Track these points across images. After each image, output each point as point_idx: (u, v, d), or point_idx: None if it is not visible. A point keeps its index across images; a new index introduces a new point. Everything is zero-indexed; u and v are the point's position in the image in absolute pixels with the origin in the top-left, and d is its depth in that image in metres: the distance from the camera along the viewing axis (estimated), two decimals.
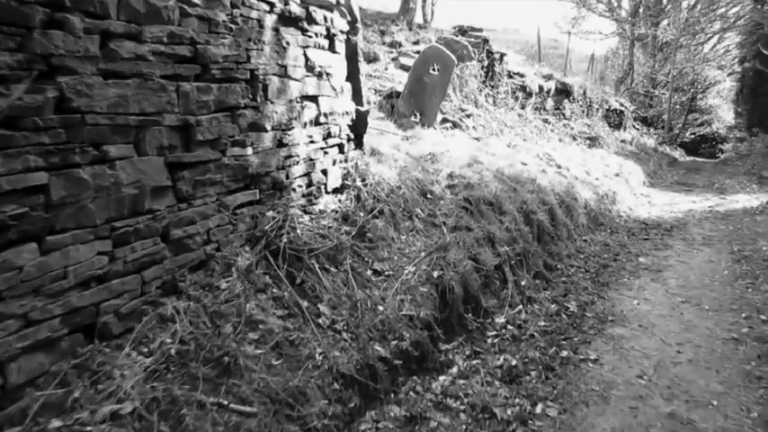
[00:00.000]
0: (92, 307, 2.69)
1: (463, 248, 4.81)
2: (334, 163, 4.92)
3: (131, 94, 2.82)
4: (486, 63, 13.63)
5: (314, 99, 4.59)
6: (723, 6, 27.11)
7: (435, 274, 4.28)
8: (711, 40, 31.24)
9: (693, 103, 33.02)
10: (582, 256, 7.15)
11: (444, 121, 9.54)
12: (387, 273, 4.09)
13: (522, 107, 15.19)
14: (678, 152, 27.31)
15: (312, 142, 4.56)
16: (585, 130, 17.79)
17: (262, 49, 3.86)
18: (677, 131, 30.53)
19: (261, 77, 3.84)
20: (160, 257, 3.06)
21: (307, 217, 4.32)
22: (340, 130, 4.99)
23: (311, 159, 4.55)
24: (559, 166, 9.82)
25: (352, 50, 5.40)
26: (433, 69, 9.13)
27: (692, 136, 32.58)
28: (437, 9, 15.92)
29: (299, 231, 3.74)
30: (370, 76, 10.11)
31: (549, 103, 17.17)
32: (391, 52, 11.90)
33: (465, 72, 11.86)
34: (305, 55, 4.43)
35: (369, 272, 4.03)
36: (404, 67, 10.65)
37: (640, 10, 25.86)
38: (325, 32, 4.72)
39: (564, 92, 17.94)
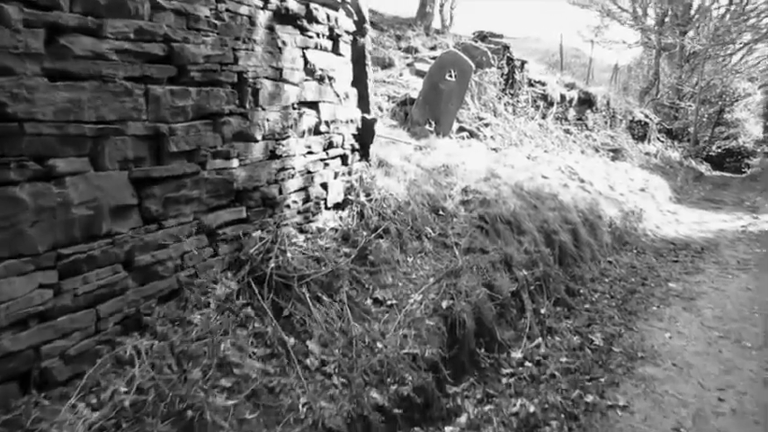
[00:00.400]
0: (30, 350, 2.27)
1: (477, 274, 4.32)
2: (336, 176, 4.47)
3: (87, 98, 2.40)
4: (506, 70, 13.13)
5: (313, 105, 4.16)
6: (754, 17, 26.27)
7: (444, 303, 3.80)
8: (740, 51, 30.33)
9: (721, 116, 32.12)
10: (607, 280, 6.60)
11: (461, 129, 9.07)
12: (389, 302, 3.62)
13: (543, 117, 14.64)
14: (704, 166, 26.42)
15: (311, 153, 4.11)
16: (608, 142, 17.17)
17: (252, 50, 3.44)
18: (703, 145, 29.64)
19: (250, 81, 3.41)
20: (121, 288, 2.63)
21: (302, 237, 3.87)
22: (343, 140, 4.55)
23: (309, 172, 4.11)
24: (582, 180, 9.28)
25: (358, 53, 4.96)
26: (450, 75, 8.66)
27: (718, 150, 31.72)
28: (456, 14, 15.50)
29: (289, 255, 3.29)
30: (384, 81, 9.68)
31: (571, 112, 16.59)
32: (407, 58, 11.47)
33: (484, 79, 11.37)
34: (304, 57, 3.99)
35: (368, 301, 3.56)
36: (419, 73, 10.20)
37: (667, 19, 25.10)
38: (327, 32, 4.29)
39: (586, 102, 17.35)
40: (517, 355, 4.22)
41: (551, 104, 15.24)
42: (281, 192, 3.76)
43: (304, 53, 4.00)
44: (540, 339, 4.55)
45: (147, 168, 2.73)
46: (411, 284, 3.93)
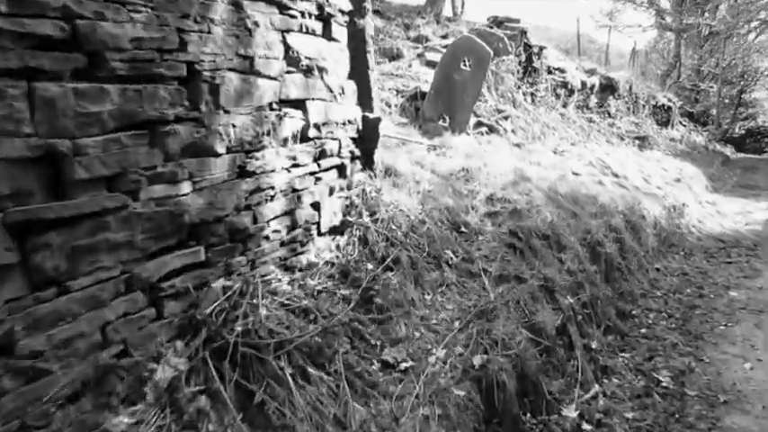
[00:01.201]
0: None
1: (514, 310, 3.38)
2: (332, 192, 3.55)
3: None
4: (523, 57, 12.13)
5: (299, 104, 3.24)
6: None
7: (477, 360, 2.87)
8: (759, 29, 28.89)
9: (742, 97, 30.80)
10: (659, 294, 5.64)
11: (479, 124, 8.10)
12: (403, 365, 2.70)
13: (564, 105, 13.61)
14: (728, 149, 25.18)
15: (296, 166, 3.20)
16: (633, 129, 16.06)
17: (209, 32, 2.53)
18: (726, 127, 28.38)
19: (206, 74, 2.51)
20: None
21: (286, 277, 2.97)
22: (340, 147, 3.63)
23: (295, 190, 3.19)
24: (616, 175, 8.28)
25: (357, 38, 4.04)
26: (465, 64, 7.69)
27: (741, 131, 30.53)
28: (468, 1, 14.46)
29: (263, 312, 2.38)
30: (392, 74, 8.74)
31: (593, 100, 15.51)
32: (416, 48, 10.50)
33: (501, 68, 10.37)
34: (284, 42, 3.08)
35: (375, 365, 2.65)
36: (430, 64, 9.24)
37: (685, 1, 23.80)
38: (316, 11, 3.37)
39: (609, 88, 16.24)
40: (571, 413, 3.28)
41: (572, 92, 14.19)
42: (255, 220, 2.86)
43: (284, 37, 3.08)
44: (596, 387, 3.61)
45: (35, 207, 1.83)
46: (431, 333, 3.01)
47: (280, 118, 3.03)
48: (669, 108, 20.92)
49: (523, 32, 12.04)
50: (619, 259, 5.10)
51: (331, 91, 3.54)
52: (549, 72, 13.61)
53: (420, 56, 9.83)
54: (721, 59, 25.42)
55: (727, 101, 28.65)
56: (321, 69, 3.43)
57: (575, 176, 7.02)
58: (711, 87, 27.18)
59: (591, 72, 15.82)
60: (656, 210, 7.27)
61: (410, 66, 9.27)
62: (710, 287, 6.03)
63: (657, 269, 6.30)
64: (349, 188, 3.73)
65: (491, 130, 8.10)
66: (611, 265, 4.97)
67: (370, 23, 4.18)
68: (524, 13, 14.35)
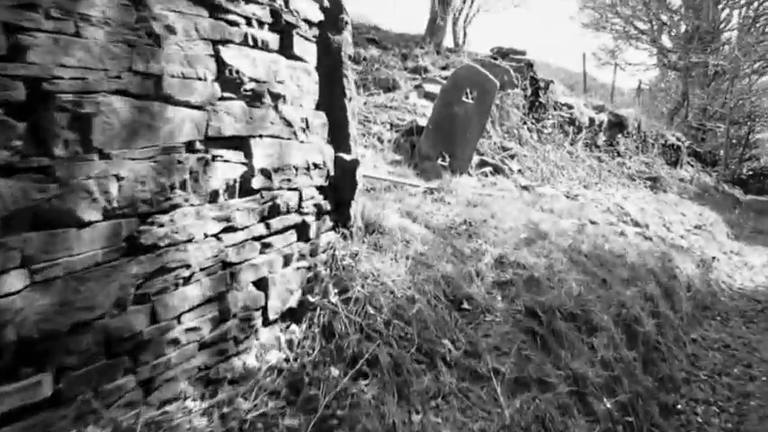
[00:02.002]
0: None
1: None
2: (287, 262, 2.59)
3: None
4: (529, 92, 11.36)
5: (239, 143, 2.32)
6: None
7: None
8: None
9: (750, 137, 30.29)
10: (703, 376, 4.64)
11: (482, 164, 7.20)
12: None
13: (572, 143, 12.81)
14: (737, 190, 24.40)
15: (231, 230, 2.25)
16: (644, 170, 15.23)
17: (77, 34, 1.62)
18: (733, 168, 27.69)
19: (66, 98, 1.58)
20: None
21: (204, 403, 1.98)
22: (300, 200, 2.69)
23: (228, 265, 2.23)
24: (637, 223, 7.34)
25: (332, 59, 3.15)
26: (467, 97, 6.84)
27: (749, 173, 30.00)
28: (470, 32, 13.77)
29: None
30: (386, 107, 7.89)
31: (601, 137, 14.74)
32: (414, 79, 9.71)
33: (506, 102, 9.56)
34: (217, 57, 2.17)
35: None
36: (429, 96, 8.42)
37: (695, 38, 23.35)
38: (269, 19, 2.47)
39: (617, 125, 15.49)
40: None
41: (580, 129, 13.42)
42: (155, 318, 1.89)
43: (218, 51, 2.18)
44: None
45: None
46: None
47: (205, 163, 2.10)
48: (678, 147, 20.18)
49: (530, 65, 11.30)
50: (657, 337, 4.11)
51: (290, 125, 2.62)
52: (556, 108, 12.86)
53: (418, 87, 9.01)
54: (729, 99, 24.83)
55: (734, 141, 28.00)
56: (275, 96, 2.52)
57: (593, 226, 6.09)
58: (719, 127, 26.56)
59: (599, 109, 15.09)
60: (688, 267, 6.30)
61: (407, 98, 8.44)
62: (760, 365, 5.03)
63: (694, 340, 5.30)
64: (313, 254, 2.78)
65: (496, 170, 7.20)
66: (650, 346, 3.98)
67: (348, 41, 3.30)
68: (526, 46, 13.68)
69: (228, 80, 2.24)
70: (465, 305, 3.12)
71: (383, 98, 8.06)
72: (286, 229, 2.58)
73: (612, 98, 23.96)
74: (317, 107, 2.92)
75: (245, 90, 2.34)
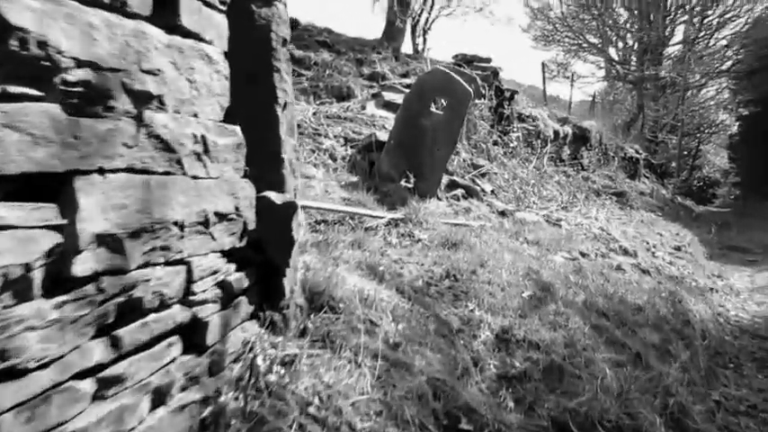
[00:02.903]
0: None
1: None
2: (160, 400, 1.42)
3: None
4: (494, 102, 10.50)
5: (49, 189, 1.13)
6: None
7: None
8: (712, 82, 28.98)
9: (699, 149, 30.85)
10: None
11: (453, 185, 6.16)
12: None
13: (538, 157, 12.03)
14: (690, 202, 24.53)
15: (16, 374, 1.06)
16: (609, 184, 14.65)
17: None
18: (683, 178, 27.96)
19: None
20: None
21: None
22: (189, 281, 1.52)
23: None
24: (626, 251, 6.45)
25: (256, 43, 2.00)
26: (436, 106, 5.81)
27: (699, 184, 30.58)
28: (431, 38, 12.85)
29: None
30: (340, 118, 6.76)
31: (566, 151, 14.10)
32: (371, 87, 8.65)
33: (473, 113, 8.60)
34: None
35: None
36: (389, 106, 7.36)
37: (648, 50, 23.33)
38: None
39: (581, 138, 14.91)
40: None
41: (545, 142, 12.68)
42: None
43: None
44: None
45: None
46: None
47: None
48: (637, 160, 19.92)
49: (495, 74, 10.43)
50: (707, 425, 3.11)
51: (169, 149, 1.45)
52: (521, 119, 12.08)
53: (375, 96, 7.93)
54: (681, 112, 24.96)
55: (685, 153, 28.29)
56: (141, 97, 1.35)
57: (586, 260, 5.13)
58: (671, 139, 26.72)
59: (563, 121, 14.45)
60: (700, 308, 5.42)
61: (363, 108, 7.35)
62: None
63: (717, 402, 4.36)
64: (214, 372, 1.60)
65: (468, 192, 6.17)
66: None
67: (282, 17, 2.14)
68: (489, 55, 12.89)
69: (18, 59, 1.07)
70: (464, 425, 2.01)
71: (336, 108, 6.93)
72: (157, 339, 1.40)
73: (570, 110, 23.67)
74: (227, 118, 1.76)
75: (68, 83, 1.17)
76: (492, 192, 7.03)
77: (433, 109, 5.73)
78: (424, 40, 11.27)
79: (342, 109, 6.88)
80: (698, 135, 29.11)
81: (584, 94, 31.35)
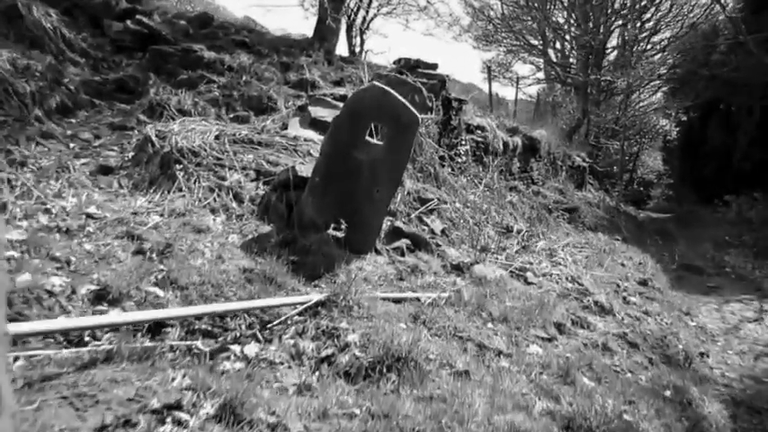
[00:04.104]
0: None
1: None
2: None
3: None
4: (441, 113, 9.26)
5: None
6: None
7: None
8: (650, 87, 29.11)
9: (640, 154, 31.11)
10: None
11: (396, 234, 4.82)
12: None
13: (488, 173, 10.93)
14: (631, 208, 24.41)
15: None
16: (560, 199, 13.78)
17: None
18: (624, 183, 27.99)
19: None
20: None
21: None
22: None
23: None
24: (603, 308, 5.32)
25: None
26: (373, 134, 4.47)
27: (639, 188, 30.91)
28: (369, 40, 11.42)
29: None
30: (252, 142, 5.27)
31: (516, 164, 13.13)
32: (299, 96, 7.20)
33: (419, 131, 7.30)
34: None
35: None
36: (317, 125, 5.95)
37: (592, 54, 22.86)
38: None
39: (531, 149, 13.99)
40: None
41: (495, 155, 11.62)
42: None
43: None
44: None
45: None
46: None
47: None
48: (584, 169, 19.36)
49: (443, 82, 9.17)
50: None
51: None
52: (470, 131, 10.93)
53: (302, 110, 6.50)
54: (623, 117, 24.77)
55: (626, 158, 28.31)
56: None
57: (569, 342, 3.94)
58: (612, 144, 26.56)
59: (513, 131, 13.44)
60: (696, 390, 4.32)
61: (284, 126, 5.90)
62: None
63: None
64: None
65: (415, 242, 4.85)
66: None
67: None
68: (435, 61, 11.60)
69: None
70: None
71: (247, 129, 5.44)
72: None
73: (515, 115, 22.93)
74: None
75: None
76: (443, 232, 5.76)
77: (369, 138, 4.38)
78: (362, 41, 9.87)
79: (254, 130, 5.40)
80: (638, 140, 29.23)
81: (524, 95, 30.75)
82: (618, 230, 15.16)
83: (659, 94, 30.10)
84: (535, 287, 5.10)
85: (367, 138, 4.37)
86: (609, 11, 22.94)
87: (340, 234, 4.51)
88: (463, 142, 10.40)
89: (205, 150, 4.79)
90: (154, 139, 4.85)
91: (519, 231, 7.94)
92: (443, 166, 8.70)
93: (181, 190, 4.47)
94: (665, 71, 26.34)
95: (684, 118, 25.45)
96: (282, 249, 4.03)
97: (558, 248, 7.67)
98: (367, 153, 4.33)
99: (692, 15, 24.29)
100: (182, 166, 4.65)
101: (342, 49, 12.55)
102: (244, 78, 7.04)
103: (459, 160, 9.84)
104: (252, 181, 4.73)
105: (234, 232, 4.11)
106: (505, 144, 12.60)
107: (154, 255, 3.46)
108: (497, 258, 5.67)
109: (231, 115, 6.57)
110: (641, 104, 29.31)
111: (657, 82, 27.48)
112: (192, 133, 4.96)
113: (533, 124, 21.31)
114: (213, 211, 4.32)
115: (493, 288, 4.49)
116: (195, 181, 4.54)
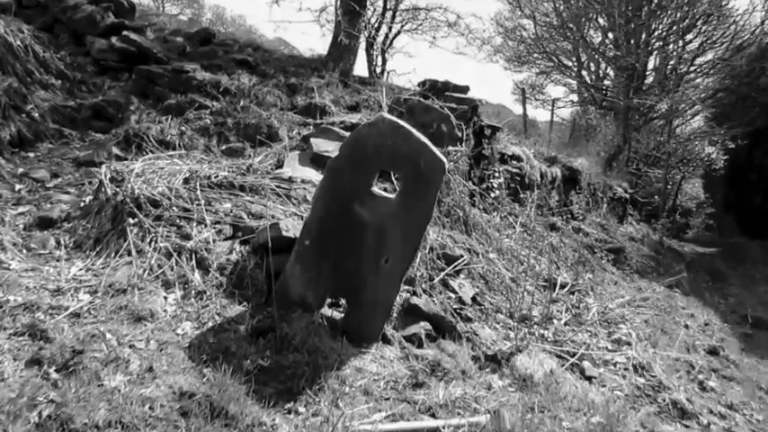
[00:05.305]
0: None
1: None
2: None
3: None
4: (472, 143, 8.13)
5: None
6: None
7: None
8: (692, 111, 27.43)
9: (683, 183, 29.29)
10: None
11: (412, 313, 3.65)
12: None
13: (524, 209, 9.70)
14: (674, 241, 22.67)
15: None
16: (604, 237, 12.39)
17: None
18: (666, 215, 26.25)
19: None
20: None
21: None
22: None
23: None
24: (684, 411, 4.02)
25: None
26: (382, 184, 3.34)
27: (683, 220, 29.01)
28: (391, 61, 10.29)
29: None
30: (233, 186, 4.17)
31: (554, 196, 11.84)
32: (306, 124, 6.14)
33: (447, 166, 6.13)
34: None
35: None
36: (320, 161, 4.84)
37: (635, 77, 21.44)
38: None
39: (571, 180, 12.71)
40: None
41: (530, 187, 10.38)
42: None
43: None
44: None
45: None
46: None
47: None
48: (626, 200, 17.90)
49: (475, 108, 8.02)
50: None
51: None
52: (503, 161, 9.73)
53: (305, 141, 5.41)
54: (667, 144, 23.18)
55: (668, 187, 26.60)
56: None
57: None
58: (653, 172, 24.94)
59: (551, 161, 12.18)
60: None
61: (279, 164, 4.81)
62: None
63: None
64: None
65: (437, 326, 3.65)
66: None
67: None
68: (465, 83, 10.36)
69: None
70: None
71: (228, 169, 4.35)
72: None
73: (551, 141, 21.58)
74: None
75: None
76: (474, 300, 4.55)
77: (377, 190, 3.24)
78: (384, 60, 8.78)
79: (238, 170, 4.30)
80: (681, 168, 27.48)
81: (557, 117, 29.39)
82: (666, 271, 13.73)
83: (699, 119, 28.42)
84: (596, 385, 3.85)
85: (374, 189, 3.24)
86: (652, 31, 21.60)
87: (336, 314, 3.36)
88: (496, 174, 9.21)
89: (169, 199, 3.72)
90: (106, 182, 3.81)
91: (564, 285, 6.67)
92: (473, 204, 7.52)
93: (130, 253, 3.39)
94: (709, 95, 24.75)
95: (732, 145, 23.75)
96: (252, 346, 2.90)
97: (612, 310, 6.37)
98: (373, 210, 3.19)
99: (738, 37, 22.73)
100: (136, 220, 3.58)
101: (361, 69, 11.53)
102: (242, 103, 6.02)
103: (492, 195, 8.65)
104: (226, 239, 3.63)
105: (188, 319, 3.00)
106: (543, 175, 11.35)
107: (52, 369, 2.36)
108: (543, 335, 4.44)
109: (223, 147, 5.54)
110: (685, 130, 27.66)
111: (698, 107, 25.87)
112: (157, 176, 3.90)
113: (569, 150, 19.98)
114: (167, 285, 3.22)
115: (543, 395, 3.27)
116: (151, 241, 3.47)
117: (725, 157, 25.53)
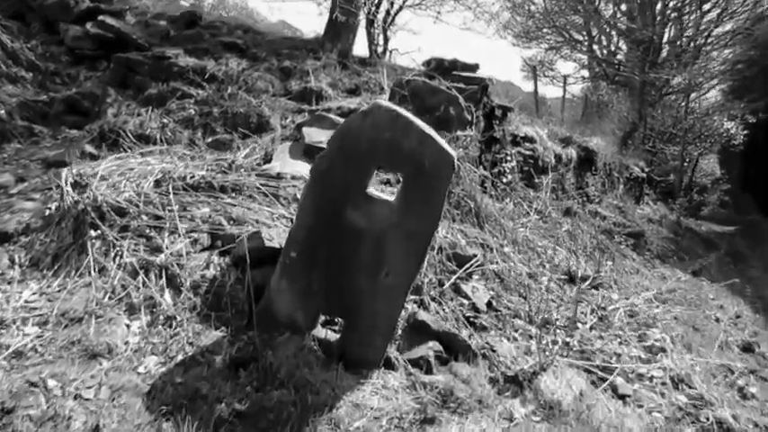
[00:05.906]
0: None
1: None
2: None
3: None
4: (482, 125, 7.57)
5: None
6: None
7: None
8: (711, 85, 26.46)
9: (699, 159, 28.35)
10: None
11: (419, 331, 3.15)
12: None
13: (538, 194, 9.17)
14: (691, 220, 21.92)
15: None
16: (622, 221, 11.82)
17: None
18: (683, 194, 25.43)
19: None
20: None
21: None
22: None
23: None
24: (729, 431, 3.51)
25: None
26: (379, 185, 2.82)
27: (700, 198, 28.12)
28: (393, 39, 9.64)
29: None
30: (213, 188, 3.68)
31: (569, 179, 11.24)
32: (300, 111, 5.62)
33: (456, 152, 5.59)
34: None
35: None
36: (314, 154, 4.33)
37: (651, 51, 20.55)
38: None
39: (587, 161, 12.09)
40: None
41: (544, 170, 9.79)
42: None
43: None
44: None
45: None
46: None
47: None
48: (642, 180, 17.22)
49: (485, 88, 7.43)
50: None
51: None
52: (515, 143, 9.15)
53: (299, 130, 4.90)
54: (684, 120, 22.33)
55: (685, 165, 25.75)
56: None
57: None
58: (668, 148, 24.10)
59: (566, 141, 11.55)
60: None
61: (267, 158, 4.31)
62: None
63: None
64: None
65: (448, 346, 3.15)
66: None
67: None
68: (474, 61, 9.68)
69: None
70: None
71: (207, 167, 3.85)
72: None
73: (563, 119, 20.85)
74: None
75: None
76: (489, 305, 4.05)
77: (373, 191, 2.73)
78: (386, 39, 8.15)
79: (217, 167, 3.80)
80: (698, 144, 26.57)
81: (568, 93, 28.47)
82: (687, 255, 13.22)
83: (716, 93, 27.43)
84: (632, 406, 3.35)
85: (370, 190, 2.73)
86: (668, 1, 20.67)
87: (332, 336, 2.88)
88: (509, 157, 8.64)
89: (137, 206, 3.23)
90: (66, 189, 3.33)
91: (585, 278, 6.14)
92: (485, 191, 6.98)
93: (91, 272, 2.92)
94: (727, 68, 23.82)
95: (753, 119, 22.85)
96: (228, 383, 2.43)
97: (638, 306, 5.84)
98: (370, 215, 2.69)
99: (759, 4, 21.70)
100: (98, 232, 3.10)
101: (362, 49, 10.89)
102: (229, 90, 5.50)
103: (504, 180, 8.09)
104: (203, 251, 3.15)
105: (153, 352, 2.54)
106: (557, 156, 10.76)
107: None
108: (568, 344, 3.94)
109: (209, 139, 5.04)
110: (702, 105, 26.70)
111: (715, 81, 24.96)
112: (125, 178, 3.42)
113: (582, 128, 19.24)
114: (131, 309, 2.75)
115: (573, 427, 2.78)
116: (115, 256, 2.99)
117: (744, 132, 24.58)
